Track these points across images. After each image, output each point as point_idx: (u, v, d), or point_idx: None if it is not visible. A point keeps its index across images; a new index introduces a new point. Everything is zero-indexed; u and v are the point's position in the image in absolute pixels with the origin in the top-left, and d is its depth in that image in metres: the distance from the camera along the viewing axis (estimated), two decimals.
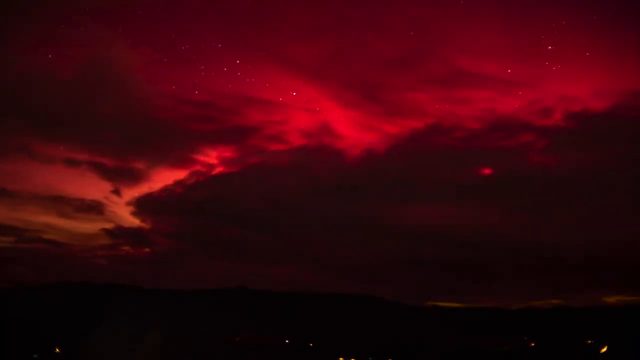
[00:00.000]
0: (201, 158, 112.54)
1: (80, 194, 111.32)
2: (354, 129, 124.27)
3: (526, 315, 78.20)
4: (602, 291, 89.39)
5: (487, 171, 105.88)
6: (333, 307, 78.21)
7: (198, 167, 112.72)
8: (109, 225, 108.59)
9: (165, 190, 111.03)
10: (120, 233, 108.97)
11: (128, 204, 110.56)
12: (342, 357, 58.01)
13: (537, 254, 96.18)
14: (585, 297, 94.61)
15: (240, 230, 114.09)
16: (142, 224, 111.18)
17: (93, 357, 52.11)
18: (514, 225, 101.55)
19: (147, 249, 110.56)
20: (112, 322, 61.62)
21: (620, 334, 60.26)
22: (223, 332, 65.25)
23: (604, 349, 58.87)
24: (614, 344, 58.41)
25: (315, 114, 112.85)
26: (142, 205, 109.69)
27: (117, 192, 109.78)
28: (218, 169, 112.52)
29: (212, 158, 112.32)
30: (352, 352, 58.40)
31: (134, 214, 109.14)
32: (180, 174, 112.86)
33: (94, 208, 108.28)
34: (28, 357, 51.68)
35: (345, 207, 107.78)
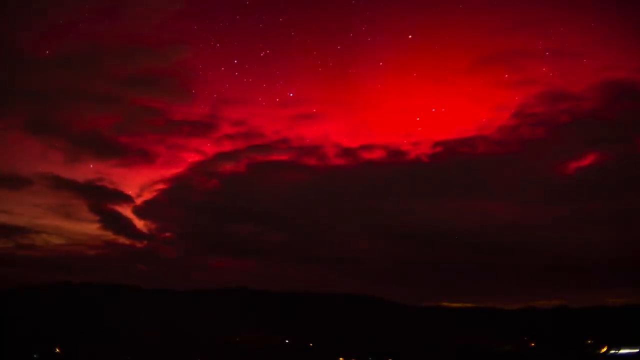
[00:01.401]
0: (201, 158, 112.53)
1: (81, 194, 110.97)
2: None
3: (526, 315, 78.12)
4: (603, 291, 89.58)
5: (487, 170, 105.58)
6: (333, 307, 78.02)
7: (199, 168, 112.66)
8: (109, 226, 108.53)
9: (166, 190, 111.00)
10: (120, 233, 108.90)
11: (128, 204, 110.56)
12: (342, 357, 58.07)
13: (539, 254, 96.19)
14: (585, 297, 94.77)
15: (241, 230, 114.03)
16: (143, 224, 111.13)
17: (93, 357, 52.24)
18: (516, 225, 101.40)
19: (147, 249, 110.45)
20: (112, 322, 61.89)
21: (620, 334, 60.30)
22: (223, 332, 65.28)
23: (604, 349, 58.95)
24: (614, 344, 58.48)
25: (313, 115, 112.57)
26: (142, 206, 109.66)
27: (117, 191, 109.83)
28: (219, 169, 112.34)
29: (212, 158, 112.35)
30: (352, 352, 58.45)
31: (134, 214, 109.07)
32: (181, 175, 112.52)
33: (95, 208, 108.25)
34: (28, 357, 51.76)
35: (345, 207, 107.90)
